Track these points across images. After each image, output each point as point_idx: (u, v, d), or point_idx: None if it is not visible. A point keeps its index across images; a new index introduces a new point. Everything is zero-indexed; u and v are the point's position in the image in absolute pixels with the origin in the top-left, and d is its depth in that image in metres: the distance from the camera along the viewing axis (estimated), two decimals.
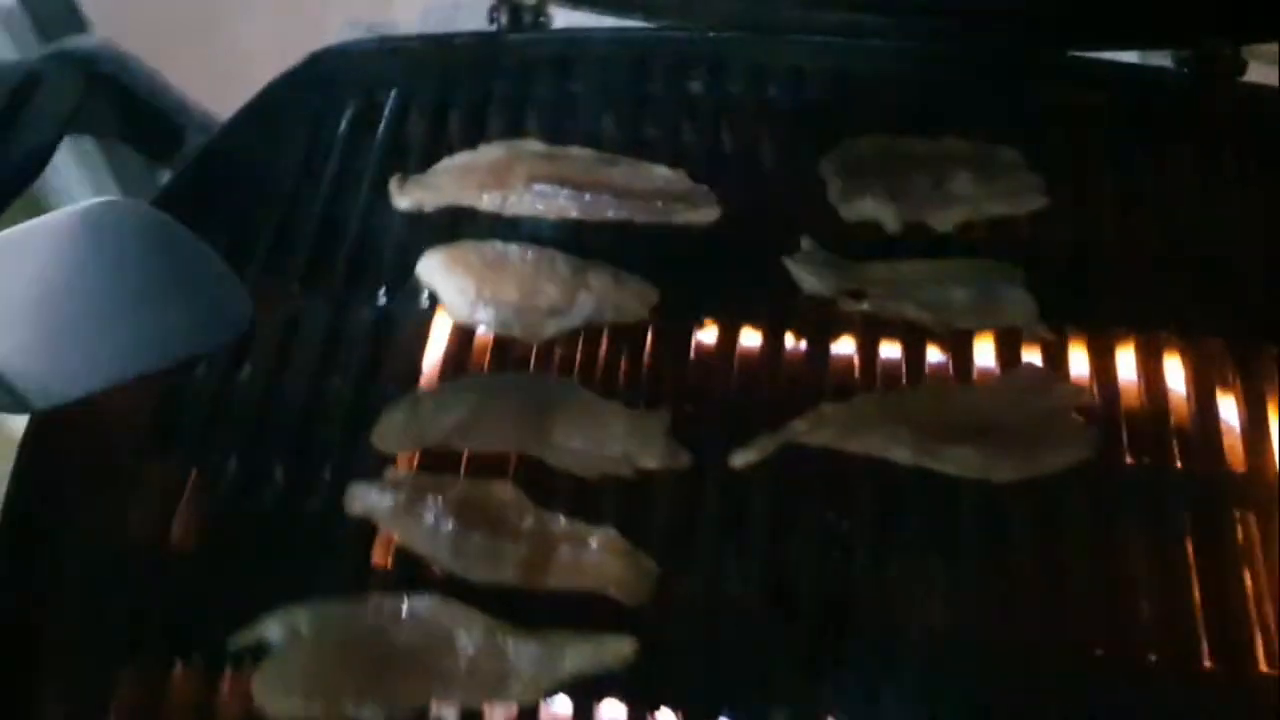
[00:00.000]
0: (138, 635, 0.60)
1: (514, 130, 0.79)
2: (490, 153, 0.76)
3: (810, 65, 0.80)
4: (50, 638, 0.61)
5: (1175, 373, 0.67)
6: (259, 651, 0.58)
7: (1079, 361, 0.68)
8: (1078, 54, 0.80)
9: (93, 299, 0.51)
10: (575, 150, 0.76)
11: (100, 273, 0.52)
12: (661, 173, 0.75)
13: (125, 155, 1.09)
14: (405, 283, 0.72)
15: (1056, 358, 0.68)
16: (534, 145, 0.76)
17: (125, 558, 0.63)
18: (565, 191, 0.73)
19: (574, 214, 0.73)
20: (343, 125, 0.79)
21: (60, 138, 0.74)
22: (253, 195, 0.76)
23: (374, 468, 0.64)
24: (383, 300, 0.72)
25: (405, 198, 0.74)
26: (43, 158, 0.73)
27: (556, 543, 0.61)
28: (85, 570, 0.62)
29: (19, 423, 0.66)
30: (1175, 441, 0.65)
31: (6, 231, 0.51)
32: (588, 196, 0.73)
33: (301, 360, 0.69)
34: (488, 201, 0.73)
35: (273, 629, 0.58)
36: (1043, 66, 0.80)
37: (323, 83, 0.81)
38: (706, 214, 0.73)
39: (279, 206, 0.75)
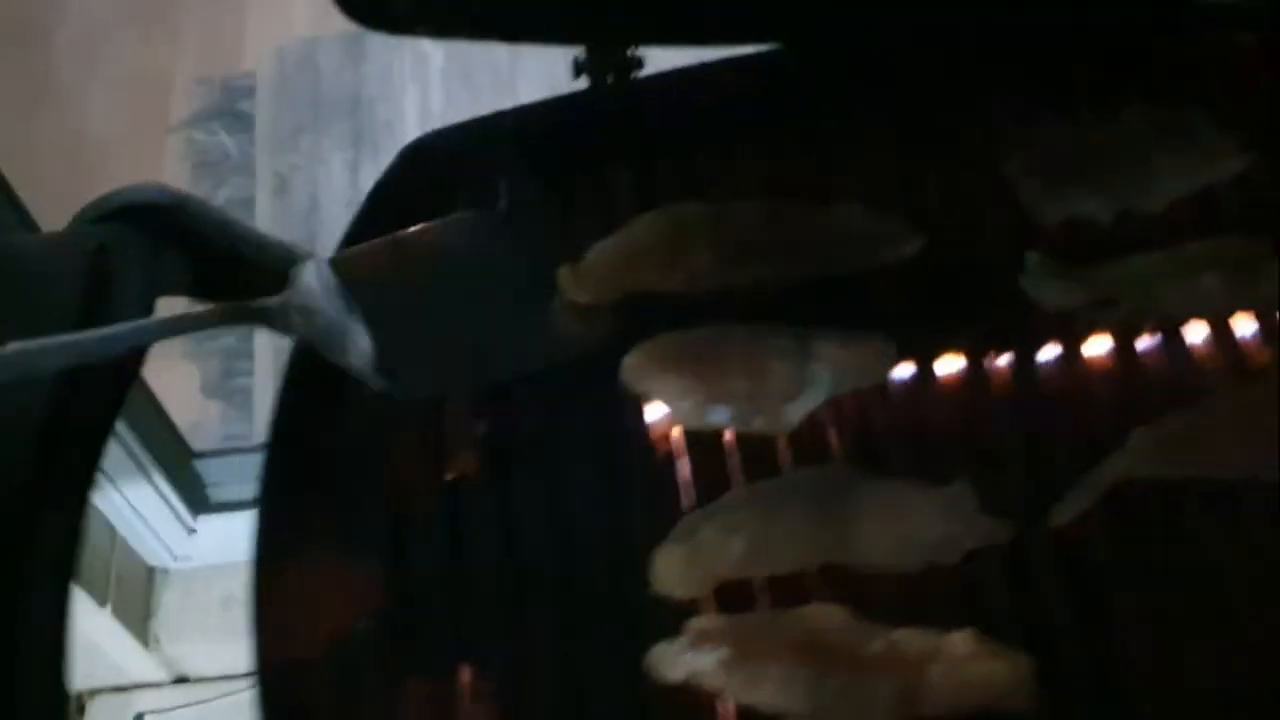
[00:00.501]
0: None
1: (648, 193, 0.70)
2: (650, 226, 0.67)
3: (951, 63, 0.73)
4: None
5: None
6: None
7: None
8: None
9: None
10: (741, 205, 0.68)
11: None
12: (843, 212, 0.67)
13: None
14: (609, 392, 0.62)
15: None
16: (694, 208, 0.68)
17: None
18: (754, 256, 0.65)
19: (766, 277, 0.65)
20: None
21: (148, 310, 0.63)
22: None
23: (661, 618, 0.56)
24: (589, 418, 0.62)
25: (582, 290, 0.65)
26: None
27: (918, 664, 0.53)
28: None
29: None
30: None
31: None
32: (778, 256, 0.65)
33: (522, 509, 0.60)
34: (674, 281, 0.65)
35: None
36: (1187, 15, 0.75)
37: (423, 183, 0.70)
38: (910, 245, 0.66)
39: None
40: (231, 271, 0.69)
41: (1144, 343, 0.63)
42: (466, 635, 0.57)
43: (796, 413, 0.61)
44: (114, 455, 1.10)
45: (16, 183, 0.95)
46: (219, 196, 1.73)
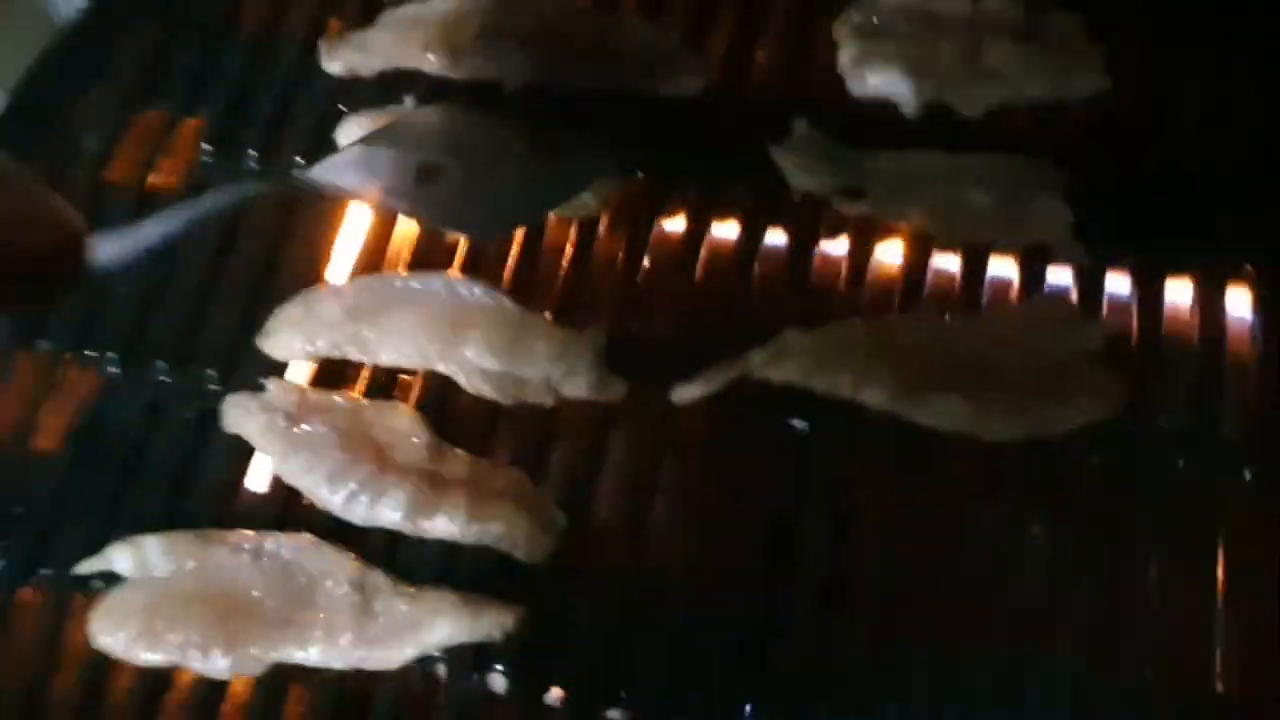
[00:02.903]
0: None
1: None
2: (439, 5, 0.64)
3: None
4: None
5: (1242, 316, 0.54)
6: (112, 580, 0.52)
7: (1121, 295, 0.54)
8: None
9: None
10: (542, 0, 0.64)
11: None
12: (641, 30, 0.62)
13: None
14: (325, 156, 0.61)
15: (1091, 288, 0.54)
16: None
17: None
18: (524, 51, 0.61)
19: (531, 78, 0.61)
20: None
21: None
22: (167, 39, 0.66)
23: (265, 373, 0.56)
24: (299, 173, 0.61)
25: (336, 61, 0.63)
26: None
27: (451, 485, 0.51)
28: None
29: None
30: (1228, 402, 0.52)
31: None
32: (549, 58, 0.61)
33: (198, 241, 0.60)
34: (433, 63, 0.62)
35: (121, 559, 0.51)
36: None
37: None
38: (689, 83, 0.61)
39: (197, 51, 0.65)
40: None
41: (875, 247, 0.56)
42: (88, 335, 0.58)
43: None
44: None
45: None
46: None
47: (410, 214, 0.55)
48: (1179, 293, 0.54)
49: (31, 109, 0.65)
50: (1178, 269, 0.54)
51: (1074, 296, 0.54)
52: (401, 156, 0.54)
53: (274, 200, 0.60)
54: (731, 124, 0.60)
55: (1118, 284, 0.54)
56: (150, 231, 0.45)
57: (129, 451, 0.55)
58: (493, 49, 0.62)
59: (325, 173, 0.54)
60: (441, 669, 0.49)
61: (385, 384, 0.55)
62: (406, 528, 0.51)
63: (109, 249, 0.43)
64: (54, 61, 0.66)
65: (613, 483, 0.52)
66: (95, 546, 0.52)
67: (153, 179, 0.62)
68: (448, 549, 0.51)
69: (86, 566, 0.52)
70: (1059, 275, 0.55)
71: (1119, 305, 0.54)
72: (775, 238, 0.57)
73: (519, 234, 0.58)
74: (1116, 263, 0.54)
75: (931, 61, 0.60)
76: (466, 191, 0.54)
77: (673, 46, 0.62)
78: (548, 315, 0.56)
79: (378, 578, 0.50)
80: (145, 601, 0.50)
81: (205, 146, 0.62)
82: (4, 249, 0.39)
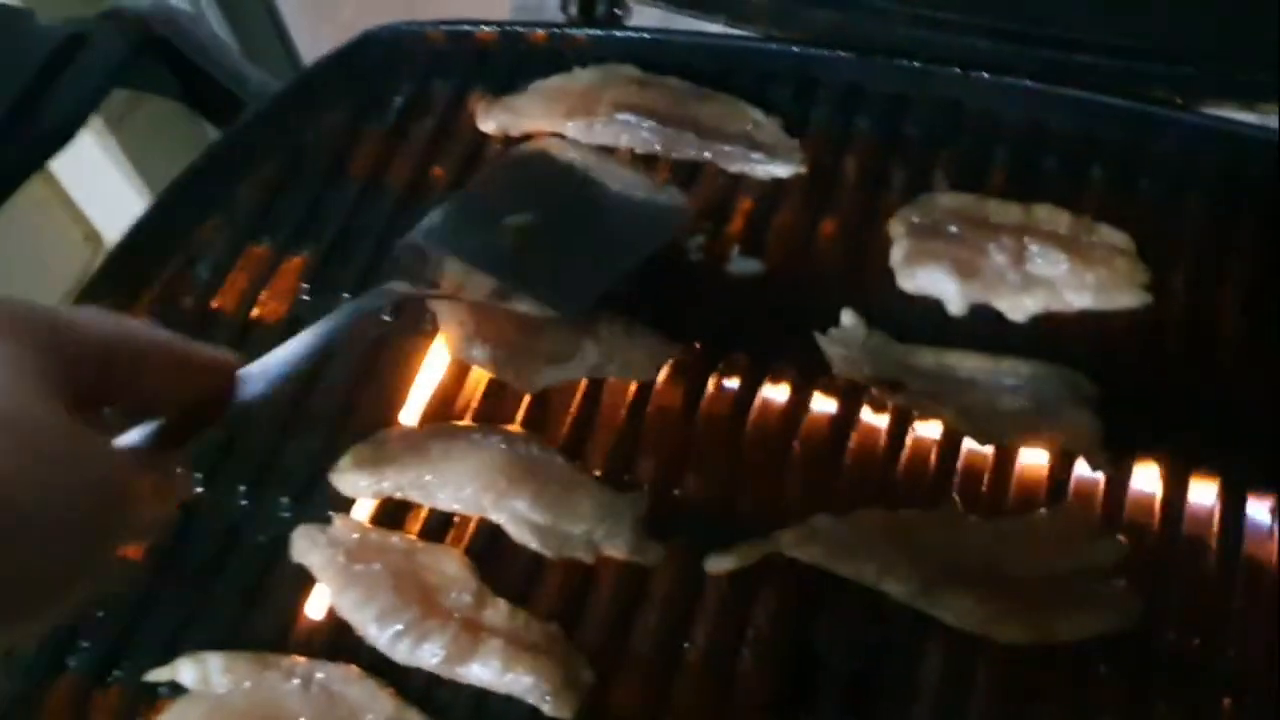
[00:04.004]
0: (60, 654, 0.58)
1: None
2: (584, 76, 0.72)
3: (908, 94, 0.70)
4: None
5: (1263, 537, 0.56)
6: (177, 689, 0.56)
7: (1146, 501, 0.57)
8: (1226, 115, 0.66)
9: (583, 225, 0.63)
10: (671, 80, 0.72)
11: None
12: (754, 115, 0.70)
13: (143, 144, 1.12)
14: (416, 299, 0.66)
15: (1116, 496, 0.57)
16: (629, 70, 0.72)
17: None
18: (649, 123, 0.69)
19: (655, 147, 0.69)
20: (390, 112, 0.74)
21: (101, 95, 0.72)
22: (282, 178, 0.73)
23: (333, 506, 0.60)
24: (389, 316, 0.67)
25: (490, 120, 0.72)
26: (82, 113, 0.71)
27: (490, 634, 0.55)
28: None
29: None
30: (1236, 624, 0.53)
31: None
32: (671, 130, 0.69)
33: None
34: (572, 130, 0.70)
35: (186, 672, 0.56)
36: (1183, 128, 0.67)
37: (376, 64, 0.76)
38: (786, 167, 0.68)
39: (306, 192, 0.72)
40: (210, 89, 0.78)
41: (910, 438, 0.59)
42: None
43: (549, 378, 0.62)
44: None
45: None
46: None
47: (497, 291, 0.57)
48: (1202, 498, 0.57)
49: (158, 231, 0.71)
50: (1202, 476, 0.57)
51: (1097, 502, 0.57)
52: (489, 214, 0.60)
53: (360, 339, 0.66)
54: (785, 304, 0.64)
55: (1141, 488, 0.57)
56: (287, 361, 0.44)
57: (205, 568, 0.60)
58: (624, 119, 0.69)
59: (420, 236, 0.58)
60: None
61: (439, 526, 0.59)
62: (444, 671, 0.55)
63: (255, 385, 0.43)
64: (182, 188, 0.72)
65: (642, 641, 0.55)
66: (166, 656, 0.56)
67: (255, 311, 0.68)
68: (481, 694, 0.54)
69: (155, 675, 0.56)
70: (1085, 472, 0.58)
71: (1141, 511, 0.56)
72: (819, 408, 0.61)
73: (578, 393, 0.62)
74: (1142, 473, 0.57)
75: (980, 265, 0.63)
76: (549, 257, 0.59)
77: (778, 135, 0.69)
78: (597, 473, 0.60)
79: (413, 716, 0.54)
80: (201, 715, 0.54)
81: (303, 285, 0.68)
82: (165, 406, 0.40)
